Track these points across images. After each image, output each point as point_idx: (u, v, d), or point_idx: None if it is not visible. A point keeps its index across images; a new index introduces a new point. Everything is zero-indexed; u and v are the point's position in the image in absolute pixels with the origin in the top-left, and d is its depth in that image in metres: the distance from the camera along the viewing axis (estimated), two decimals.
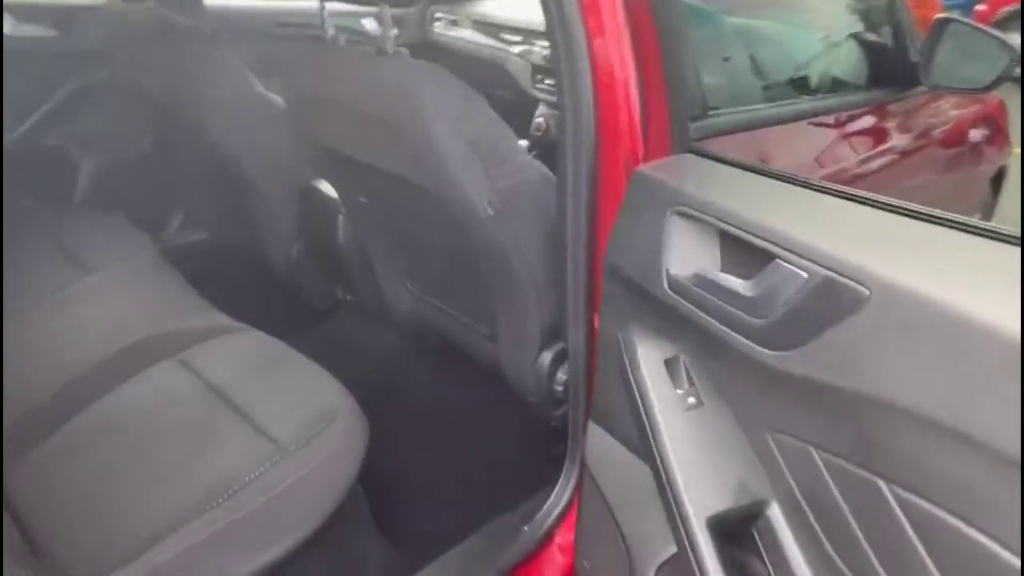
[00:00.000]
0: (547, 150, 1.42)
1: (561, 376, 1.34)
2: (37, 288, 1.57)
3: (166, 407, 1.22)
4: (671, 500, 0.89)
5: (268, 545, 1.02)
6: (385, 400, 1.76)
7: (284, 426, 1.14)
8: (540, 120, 1.99)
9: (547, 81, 2.03)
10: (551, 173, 1.24)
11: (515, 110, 1.22)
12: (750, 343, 0.81)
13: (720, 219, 0.87)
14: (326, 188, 1.71)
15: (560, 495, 1.24)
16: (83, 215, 1.86)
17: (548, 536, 1.23)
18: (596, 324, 1.10)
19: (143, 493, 1.07)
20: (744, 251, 0.84)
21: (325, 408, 1.18)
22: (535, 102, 2.03)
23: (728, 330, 0.84)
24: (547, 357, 1.34)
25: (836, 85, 1.61)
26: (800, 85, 1.54)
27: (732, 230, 0.85)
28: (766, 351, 0.79)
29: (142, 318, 1.46)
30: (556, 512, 1.23)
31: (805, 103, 1.51)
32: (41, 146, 2.01)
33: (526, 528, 1.23)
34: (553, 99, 1.92)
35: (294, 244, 1.86)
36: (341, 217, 1.69)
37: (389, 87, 1.13)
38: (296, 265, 1.89)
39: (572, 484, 1.23)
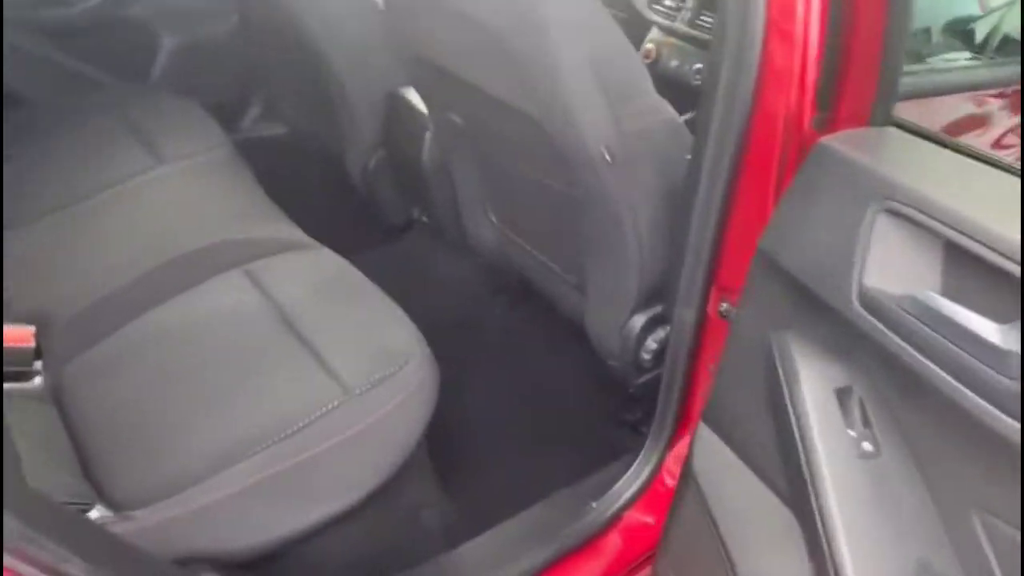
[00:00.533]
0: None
1: (651, 344, 1.21)
2: (108, 173, 1.50)
3: (227, 324, 1.14)
4: (827, 566, 0.73)
5: (325, 499, 0.95)
6: (452, 337, 1.66)
7: (350, 364, 1.05)
8: (650, 46, 1.77)
9: (666, 2, 1.80)
10: (680, 119, 1.07)
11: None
12: (986, 404, 0.62)
13: (951, 227, 0.66)
14: (415, 98, 1.57)
15: (635, 477, 1.14)
16: (160, 98, 1.77)
17: (615, 518, 1.14)
18: (710, 307, 0.95)
19: (196, 417, 1.00)
20: (986, 276, 0.64)
21: (396, 350, 1.08)
22: (647, 25, 1.81)
23: (951, 379, 0.64)
24: (639, 321, 1.21)
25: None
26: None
27: (972, 246, 0.64)
28: (1011, 421, 0.60)
29: (212, 221, 1.37)
30: (627, 495, 1.13)
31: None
32: (120, 16, 1.89)
33: (594, 505, 1.14)
34: (667, 23, 1.70)
35: (374, 153, 1.74)
36: (428, 134, 1.54)
37: None
38: (373, 175, 1.77)
39: (650, 468, 1.13)
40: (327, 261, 1.28)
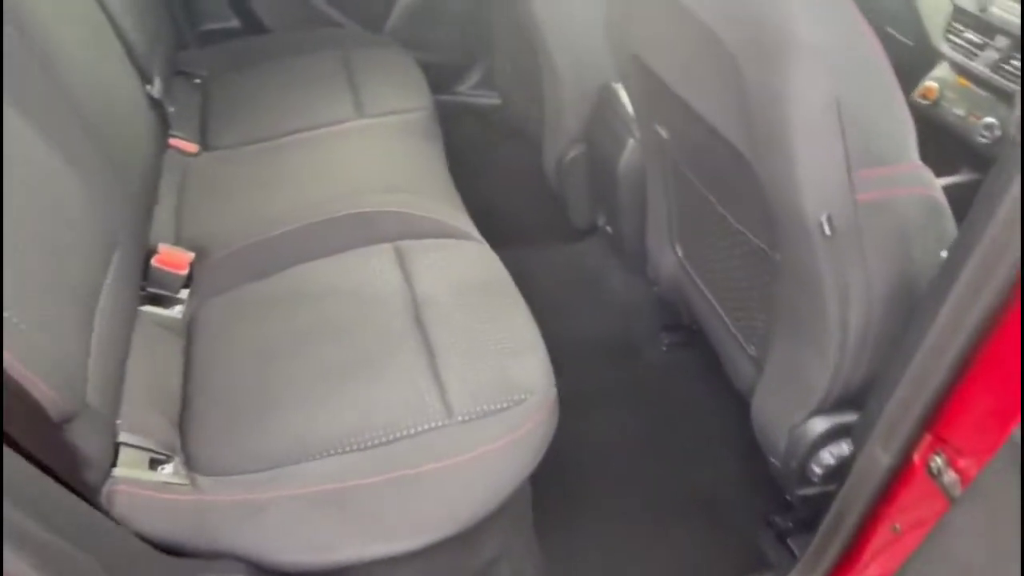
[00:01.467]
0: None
1: (827, 458, 0.97)
2: (309, 116, 1.50)
3: (359, 300, 1.07)
4: None
5: (393, 532, 0.83)
6: (598, 365, 1.51)
7: (464, 384, 0.94)
8: (932, 85, 1.44)
9: (968, 35, 1.44)
10: (942, 198, 0.80)
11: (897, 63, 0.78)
12: None
13: None
14: (625, 98, 1.39)
15: None
16: (384, 48, 1.76)
17: None
18: (916, 454, 0.70)
19: (293, 393, 0.94)
20: None
21: (518, 382, 0.95)
22: (935, 59, 1.46)
23: None
24: (818, 425, 0.97)
25: None
26: None
27: None
28: None
29: (383, 187, 1.32)
30: None
31: None
32: None
33: None
34: (963, 60, 1.35)
35: (574, 146, 1.59)
36: (632, 141, 1.37)
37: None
38: (567, 169, 1.63)
39: None
40: (481, 259, 1.17)
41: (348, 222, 1.23)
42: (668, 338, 1.56)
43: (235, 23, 1.91)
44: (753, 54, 0.72)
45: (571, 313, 1.62)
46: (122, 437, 0.85)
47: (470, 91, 2.15)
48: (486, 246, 1.21)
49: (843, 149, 0.71)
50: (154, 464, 0.86)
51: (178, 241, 1.22)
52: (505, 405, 0.92)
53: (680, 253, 1.29)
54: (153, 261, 1.13)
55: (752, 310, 1.08)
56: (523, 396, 0.93)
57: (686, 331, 1.48)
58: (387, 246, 1.16)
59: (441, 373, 0.95)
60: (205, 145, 1.47)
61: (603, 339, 1.58)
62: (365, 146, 1.44)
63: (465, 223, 1.27)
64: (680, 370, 1.48)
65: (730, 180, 0.91)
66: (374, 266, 1.13)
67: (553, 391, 0.97)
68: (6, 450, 0.61)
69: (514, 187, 1.88)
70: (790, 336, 0.96)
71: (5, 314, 0.66)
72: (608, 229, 1.62)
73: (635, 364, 1.54)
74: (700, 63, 0.84)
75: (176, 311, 1.12)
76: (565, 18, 1.44)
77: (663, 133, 1.13)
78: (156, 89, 1.34)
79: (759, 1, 0.72)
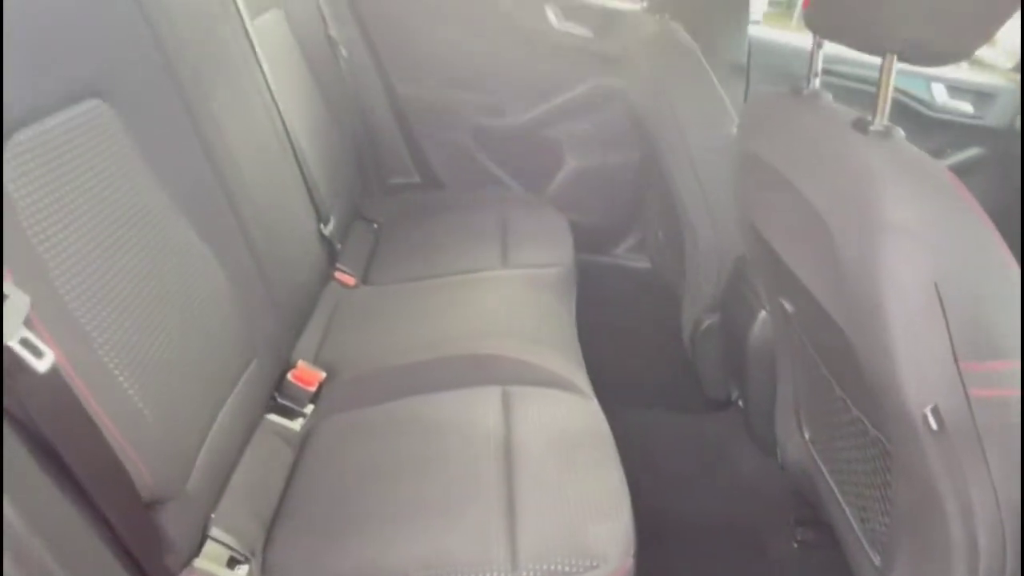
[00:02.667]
0: None
1: None
2: (460, 262, 1.63)
3: (459, 437, 1.09)
4: None
5: None
6: (715, 552, 1.38)
7: (536, 537, 0.91)
8: None
9: None
10: None
11: None
12: None
13: None
14: None
15: None
16: (542, 209, 1.89)
17: None
18: None
19: (372, 520, 0.96)
20: None
21: (591, 547, 0.90)
22: None
23: None
24: None
25: None
26: None
27: None
28: None
29: (508, 332, 1.37)
30: None
31: None
32: (539, 134, 2.09)
33: None
34: None
35: (708, 316, 1.57)
36: (763, 313, 1.33)
37: (844, 177, 0.74)
38: (701, 339, 1.60)
39: None
40: (585, 414, 1.15)
41: (466, 361, 1.28)
42: (801, 533, 1.40)
43: (416, 179, 2.16)
44: (848, 231, 0.70)
45: (692, 490, 1.52)
46: (213, 532, 0.91)
47: (624, 254, 2.22)
48: (594, 402, 1.20)
49: (947, 336, 0.65)
50: (232, 563, 0.90)
51: (316, 360, 1.33)
52: (573, 569, 0.87)
53: (807, 436, 1.19)
54: (289, 375, 1.25)
55: (875, 511, 0.95)
56: (595, 563, 0.88)
57: (824, 528, 1.33)
58: (496, 388, 1.18)
59: (517, 524, 0.93)
60: (364, 280, 1.64)
61: (725, 525, 1.46)
62: (500, 293, 1.52)
63: (579, 377, 1.27)
64: (799, 566, 1.31)
65: (837, 358, 0.85)
66: (479, 406, 1.15)
67: (630, 563, 0.91)
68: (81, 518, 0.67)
69: (654, 350, 1.86)
70: (913, 552, 0.84)
71: (128, 392, 0.76)
72: (740, 404, 1.54)
73: (760, 559, 1.39)
74: (804, 236, 0.82)
75: (297, 423, 1.21)
76: (707, 185, 1.47)
77: (788, 306, 1.09)
78: (328, 229, 1.53)
79: (856, 177, 0.70)
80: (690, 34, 1.61)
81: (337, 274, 1.61)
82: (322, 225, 1.52)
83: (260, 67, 1.38)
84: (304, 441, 1.16)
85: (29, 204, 0.71)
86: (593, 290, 1.75)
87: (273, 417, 1.19)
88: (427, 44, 2.04)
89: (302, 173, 1.46)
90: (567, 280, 1.62)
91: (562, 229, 1.81)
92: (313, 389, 1.25)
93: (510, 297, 1.52)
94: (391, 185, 2.15)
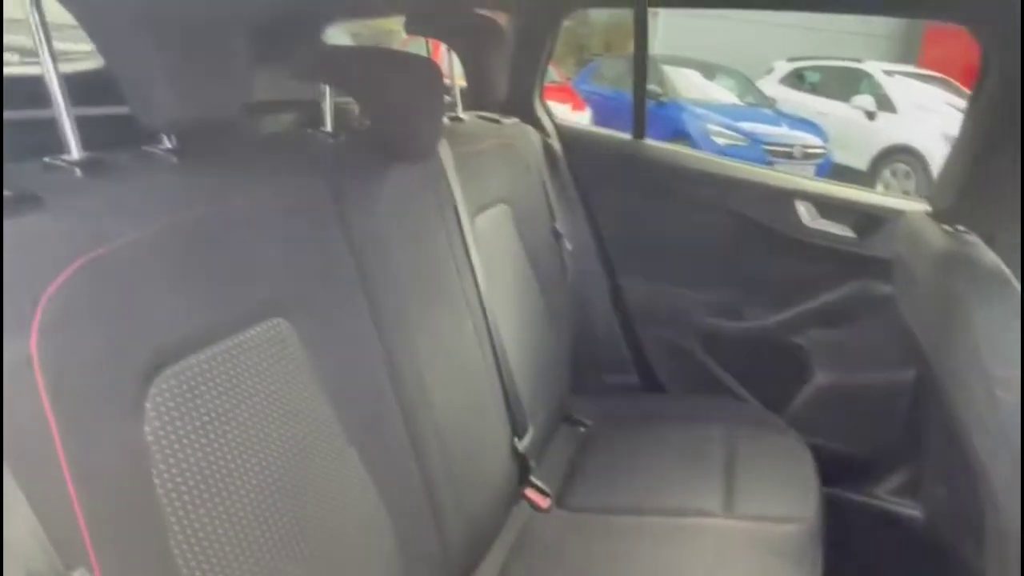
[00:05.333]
0: None
1: None
2: (675, 499, 1.38)
3: None
4: None
5: None
6: None
7: None
8: None
9: None
10: None
11: None
12: None
13: None
14: None
15: None
16: (774, 435, 1.60)
17: None
18: None
19: None
20: None
21: None
22: None
23: None
24: None
25: None
26: None
27: None
28: None
29: None
30: None
31: None
32: (779, 339, 1.81)
33: None
34: None
35: None
36: None
37: None
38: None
39: None
40: None
41: None
42: None
43: (635, 379, 1.95)
44: None
45: None
46: None
47: (888, 496, 1.76)
48: None
49: None
50: None
51: None
52: None
53: None
54: None
55: None
56: None
57: None
58: None
59: None
60: (559, 502, 1.42)
61: None
62: (719, 555, 1.21)
63: None
64: None
65: None
66: None
67: None
68: None
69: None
70: None
71: None
72: None
73: None
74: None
75: None
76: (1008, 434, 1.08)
77: None
78: (524, 443, 1.36)
79: None
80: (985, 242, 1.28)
81: (529, 491, 1.42)
82: (516, 439, 1.36)
83: (473, 275, 1.30)
84: None
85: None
86: (840, 536, 1.37)
87: None
88: (656, 238, 1.90)
89: (503, 385, 1.33)
90: (809, 542, 1.27)
91: (805, 465, 1.47)
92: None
93: (732, 559, 1.20)
94: (607, 384, 1.96)
